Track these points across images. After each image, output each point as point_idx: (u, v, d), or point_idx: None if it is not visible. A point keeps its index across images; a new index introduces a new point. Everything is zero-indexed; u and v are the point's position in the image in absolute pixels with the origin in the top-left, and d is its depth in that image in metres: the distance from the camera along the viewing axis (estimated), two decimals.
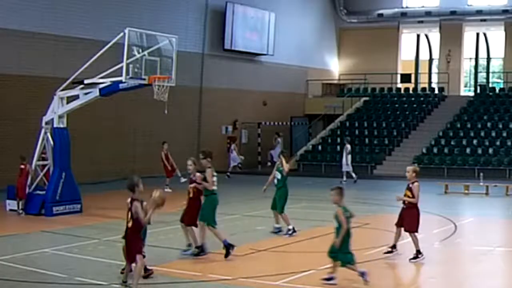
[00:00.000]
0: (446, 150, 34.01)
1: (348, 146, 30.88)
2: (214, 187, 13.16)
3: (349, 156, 30.60)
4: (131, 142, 29.59)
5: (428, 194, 24.56)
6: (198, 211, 13.16)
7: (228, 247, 13.05)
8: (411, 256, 13.04)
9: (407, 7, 43.02)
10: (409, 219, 13.09)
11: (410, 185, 13.17)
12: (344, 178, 30.52)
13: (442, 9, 41.52)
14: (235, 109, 37.09)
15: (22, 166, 19.80)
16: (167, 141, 25.99)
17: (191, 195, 13.30)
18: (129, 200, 10.57)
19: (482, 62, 45.07)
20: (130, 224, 10.52)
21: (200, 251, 13.22)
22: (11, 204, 19.93)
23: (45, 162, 20.25)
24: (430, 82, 44.13)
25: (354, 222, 17.89)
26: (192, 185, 13.27)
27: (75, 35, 27.51)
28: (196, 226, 13.25)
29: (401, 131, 36.85)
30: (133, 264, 10.58)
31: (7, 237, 15.73)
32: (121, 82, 18.58)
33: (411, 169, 13.32)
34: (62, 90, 19.89)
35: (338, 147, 36.56)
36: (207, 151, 13.40)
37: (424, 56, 44.90)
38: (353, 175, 30.34)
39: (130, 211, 10.47)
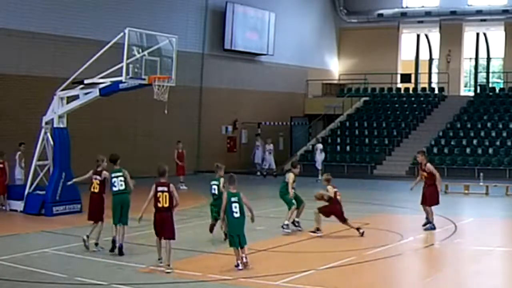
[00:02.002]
0: (446, 150, 34.01)
1: (319, 146, 32.27)
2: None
3: (322, 155, 31.76)
4: (131, 142, 29.58)
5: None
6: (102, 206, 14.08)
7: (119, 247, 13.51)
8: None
9: (407, 7, 42.97)
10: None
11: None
12: (319, 177, 31.08)
13: (442, 9, 41.48)
14: (235, 109, 37.08)
15: (1, 166, 19.99)
16: (172, 141, 26.57)
17: (96, 190, 14.19)
18: (155, 185, 12.10)
19: (482, 62, 45.05)
20: (166, 204, 12.04)
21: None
22: (11, 204, 19.95)
23: (45, 162, 20.26)
24: (430, 82, 44.11)
25: (354, 222, 18.00)
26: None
27: (75, 35, 27.49)
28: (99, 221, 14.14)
29: (401, 131, 36.85)
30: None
31: (7, 237, 15.73)
32: (121, 82, 18.56)
33: (323, 178, 16.70)
34: (62, 90, 19.88)
35: (338, 147, 36.68)
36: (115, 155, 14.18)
37: (424, 56, 44.87)
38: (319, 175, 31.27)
39: (168, 192, 12.02)
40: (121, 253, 13.41)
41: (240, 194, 12.41)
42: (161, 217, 12.11)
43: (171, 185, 12.14)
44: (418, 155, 17.14)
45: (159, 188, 12.10)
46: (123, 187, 13.79)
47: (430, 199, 16.66)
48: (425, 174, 16.71)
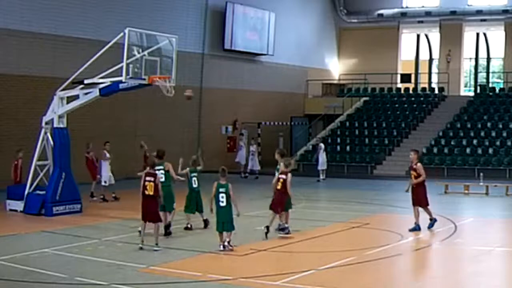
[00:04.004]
0: (446, 150, 34.01)
1: (322, 145, 32.21)
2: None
3: (324, 155, 31.65)
4: (131, 142, 29.57)
5: (428, 194, 24.53)
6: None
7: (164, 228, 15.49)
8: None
9: (407, 7, 43.00)
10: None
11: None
12: (323, 177, 31.03)
13: (442, 9, 41.51)
14: (235, 109, 37.08)
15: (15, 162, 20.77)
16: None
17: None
18: (144, 175, 14.00)
19: (482, 62, 45.05)
20: (151, 193, 13.75)
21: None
22: (11, 204, 19.94)
23: (45, 162, 20.26)
24: (430, 82, 44.11)
25: (354, 222, 18.00)
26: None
27: (75, 35, 27.49)
28: None
29: (401, 131, 36.84)
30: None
31: (7, 237, 15.74)
32: (121, 82, 18.56)
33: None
34: (62, 90, 19.89)
35: (338, 147, 36.68)
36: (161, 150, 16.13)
37: (424, 56, 44.86)
38: (322, 175, 31.36)
39: (154, 182, 13.74)
40: (165, 233, 15.35)
41: (229, 185, 13.76)
42: (146, 203, 13.93)
43: (157, 176, 13.99)
44: (412, 153, 16.91)
45: (147, 178, 13.91)
46: (163, 179, 15.36)
47: (420, 199, 16.56)
48: (414, 173, 16.60)
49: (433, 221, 16.62)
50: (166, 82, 18.80)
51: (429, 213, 16.70)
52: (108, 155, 22.52)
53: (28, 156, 20.56)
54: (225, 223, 13.70)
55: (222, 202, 13.68)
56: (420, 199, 16.57)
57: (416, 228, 16.31)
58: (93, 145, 23.39)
